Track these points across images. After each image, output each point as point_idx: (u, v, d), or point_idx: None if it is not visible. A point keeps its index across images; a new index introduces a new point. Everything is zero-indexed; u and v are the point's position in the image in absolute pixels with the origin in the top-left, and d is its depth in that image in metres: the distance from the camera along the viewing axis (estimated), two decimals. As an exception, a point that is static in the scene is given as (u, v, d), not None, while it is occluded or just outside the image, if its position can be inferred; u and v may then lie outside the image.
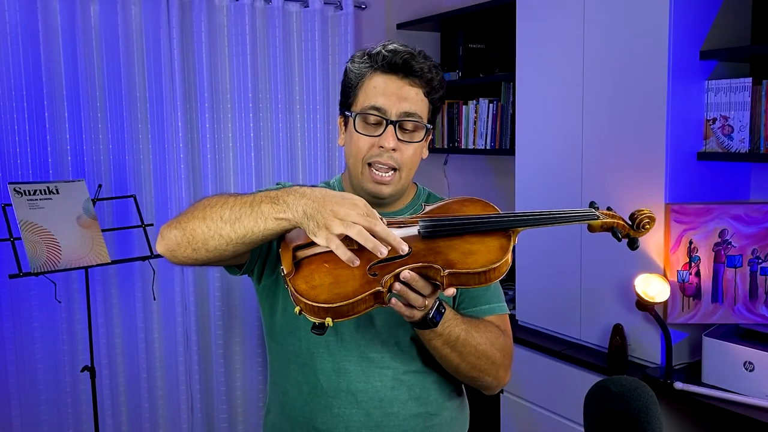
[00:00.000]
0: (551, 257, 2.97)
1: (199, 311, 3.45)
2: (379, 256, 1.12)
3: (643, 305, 2.50)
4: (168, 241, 1.26)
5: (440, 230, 1.22)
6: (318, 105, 3.63)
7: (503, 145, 3.47)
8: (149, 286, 3.26)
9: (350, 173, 1.47)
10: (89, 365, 2.95)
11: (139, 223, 3.04)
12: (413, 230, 1.23)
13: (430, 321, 1.26)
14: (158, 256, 2.95)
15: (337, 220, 1.12)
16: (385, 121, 1.38)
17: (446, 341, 1.32)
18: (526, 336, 3.02)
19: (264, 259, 1.46)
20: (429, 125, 1.43)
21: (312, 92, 3.63)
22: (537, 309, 3.07)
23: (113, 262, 2.84)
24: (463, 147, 3.69)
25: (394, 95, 1.38)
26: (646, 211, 1.32)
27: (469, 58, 3.76)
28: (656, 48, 2.47)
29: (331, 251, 1.15)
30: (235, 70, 3.45)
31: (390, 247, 1.13)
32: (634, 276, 2.58)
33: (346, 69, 1.45)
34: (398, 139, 1.38)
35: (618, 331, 2.67)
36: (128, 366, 3.35)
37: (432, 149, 3.87)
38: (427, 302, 1.19)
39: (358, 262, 1.13)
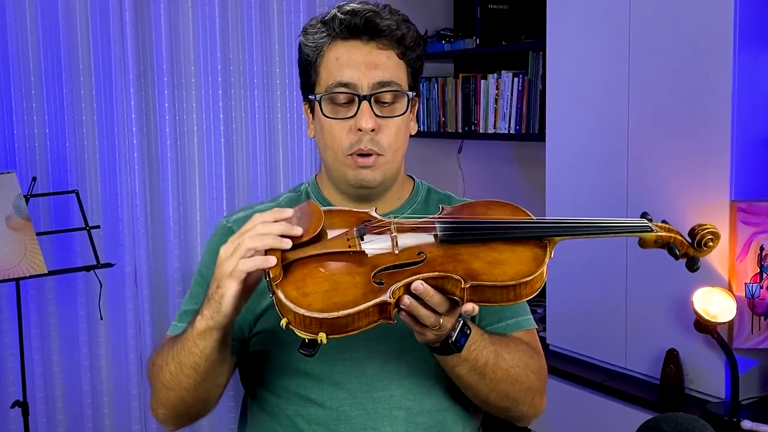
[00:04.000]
0: (590, 268, 2.96)
1: (156, 333, 3.44)
2: (292, 235, 1.20)
3: (702, 326, 2.49)
4: (165, 419, 1.44)
5: (463, 234, 1.24)
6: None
7: (531, 129, 3.45)
8: (95, 302, 3.25)
9: (328, 168, 1.49)
10: (21, 400, 2.94)
11: (83, 225, 3.02)
12: (429, 235, 1.25)
13: (453, 345, 1.26)
14: (106, 265, 2.95)
15: (223, 267, 1.23)
16: (356, 98, 1.39)
17: (473, 367, 1.33)
18: (559, 364, 3.02)
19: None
20: (411, 93, 1.45)
21: (296, 65, 3.60)
22: (572, 331, 3.06)
23: (51, 273, 2.83)
24: (481, 131, 3.68)
25: (362, 64, 1.39)
26: (708, 226, 1.33)
27: (488, 22, 3.73)
28: (720, 9, 2.46)
29: (327, 253, 1.20)
30: (201, 36, 3.44)
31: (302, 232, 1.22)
32: (691, 290, 2.57)
33: (299, 45, 1.47)
34: (376, 116, 1.40)
35: (672, 357, 2.67)
36: (69, 400, 3.34)
37: (443, 134, 3.90)
38: (442, 320, 1.20)
39: (272, 262, 1.18)
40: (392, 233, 1.25)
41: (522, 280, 1.17)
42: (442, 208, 1.36)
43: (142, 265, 3.37)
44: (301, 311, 1.14)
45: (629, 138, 2.79)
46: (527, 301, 1.59)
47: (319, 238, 1.24)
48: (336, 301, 1.14)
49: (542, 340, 3.17)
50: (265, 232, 1.20)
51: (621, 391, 2.79)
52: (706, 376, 2.64)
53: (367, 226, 1.26)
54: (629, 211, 2.78)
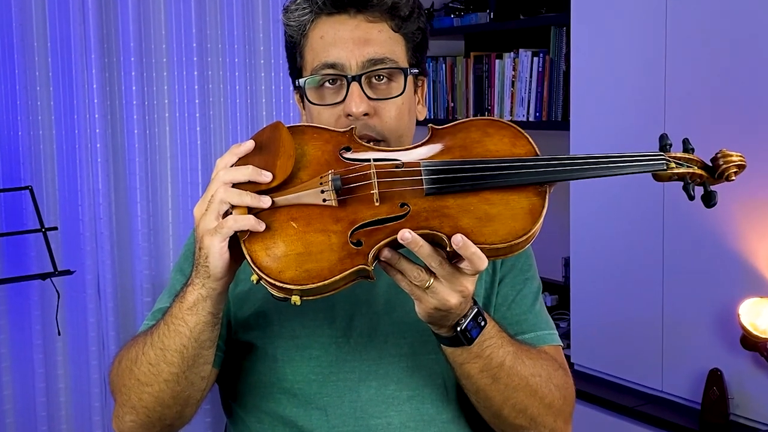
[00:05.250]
0: (621, 276, 2.96)
1: (122, 351, 3.43)
2: (263, 180, 1.23)
3: (750, 343, 2.50)
4: (131, 431, 1.39)
5: (451, 186, 1.24)
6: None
7: (553, 116, 3.46)
8: (52, 314, 3.24)
9: None
10: (-34, 427, 2.94)
11: (38, 227, 3.02)
12: (414, 181, 1.26)
13: (462, 335, 1.27)
14: (65, 272, 2.95)
15: (201, 225, 1.24)
16: (345, 80, 1.40)
17: (486, 367, 1.33)
18: (585, 386, 3.02)
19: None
20: (411, 69, 1.45)
21: (283, 45, 3.60)
22: (600, 349, 3.07)
23: (1, 282, 2.83)
24: (495, 118, 3.67)
25: (350, 41, 1.40)
26: (735, 158, 1.33)
27: (504, -7, 3.76)
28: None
29: (300, 205, 1.24)
30: (173, 10, 3.43)
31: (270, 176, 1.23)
32: (737, 301, 2.57)
33: (284, 26, 1.49)
34: (369, 98, 1.40)
35: (715, 379, 2.68)
36: (22, 427, 3.33)
37: (452, 121, 3.87)
38: (433, 281, 1.20)
39: (263, 227, 1.20)
40: (372, 179, 1.26)
41: (515, 241, 1.20)
42: (431, 130, 1.35)
43: (105, 273, 3.36)
44: (272, 280, 1.19)
45: (666, 127, 2.78)
46: (550, 313, 1.60)
47: (290, 178, 1.26)
48: (309, 268, 1.19)
49: (566, 359, 3.20)
50: (229, 180, 1.22)
51: (657, 418, 2.80)
52: (755, 400, 2.64)
53: (343, 177, 1.26)
54: (666, 210, 2.79)
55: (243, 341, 1.48)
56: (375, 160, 1.28)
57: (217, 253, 1.21)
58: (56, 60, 3.28)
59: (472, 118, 1.36)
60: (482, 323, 1.29)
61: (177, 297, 1.31)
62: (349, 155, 1.30)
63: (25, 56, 3.22)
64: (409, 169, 1.26)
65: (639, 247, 2.90)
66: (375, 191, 1.24)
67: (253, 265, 1.20)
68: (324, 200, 1.24)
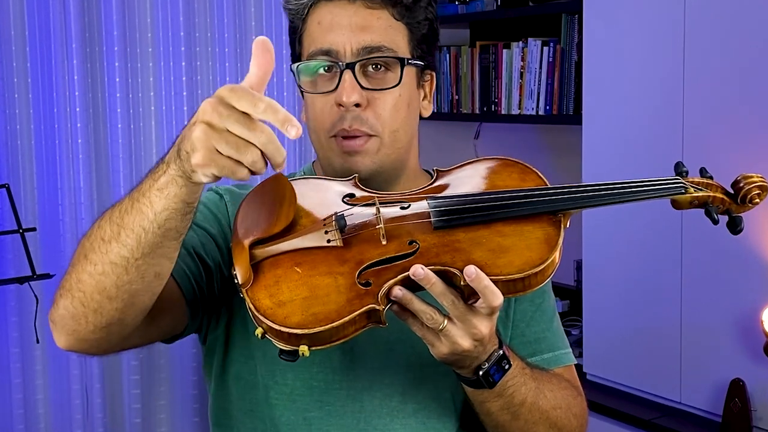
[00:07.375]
0: (637, 280, 2.97)
1: (105, 360, 3.42)
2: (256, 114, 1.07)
3: (775, 351, 2.50)
4: (61, 321, 1.26)
5: (461, 218, 1.26)
6: (287, 50, 3.62)
7: (564, 110, 3.46)
8: (30, 321, 3.24)
9: (317, 154, 1.51)
10: (-62, 441, 2.93)
11: (16, 227, 3.02)
12: (422, 217, 1.29)
13: (484, 379, 1.29)
14: (44, 276, 2.95)
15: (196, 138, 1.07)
16: (339, 67, 1.40)
17: (507, 405, 1.35)
18: (598, 397, 3.03)
19: (210, 302, 1.45)
20: (410, 60, 1.44)
21: (279, 29, 3.62)
22: (615, 358, 3.08)
23: (-25, 286, 2.83)
24: (503, 112, 3.69)
25: (347, 27, 1.41)
26: (756, 179, 1.36)
27: (512, -21, 3.76)
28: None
29: (303, 250, 1.25)
30: (159, -5, 3.44)
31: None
32: (761, 307, 2.58)
33: (284, 10, 1.51)
34: (363, 88, 1.40)
35: (737, 389, 2.68)
36: (-1, 442, 3.32)
37: (457, 116, 3.90)
38: (446, 323, 1.20)
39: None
40: (377, 214, 1.28)
41: (531, 272, 1.21)
42: (436, 172, 1.39)
43: (87, 277, 3.34)
44: (277, 326, 1.17)
45: (684, 122, 2.79)
46: (562, 321, 1.61)
47: (293, 225, 1.28)
48: (317, 311, 1.18)
49: (578, 368, 3.19)
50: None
51: (675, 431, 2.81)
52: (780, 412, 2.65)
53: (347, 215, 1.29)
54: (684, 210, 2.77)
55: (244, 344, 1.47)
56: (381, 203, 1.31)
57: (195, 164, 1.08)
58: (35, 50, 3.28)
59: (478, 158, 1.42)
60: (506, 367, 1.30)
61: (150, 172, 1.17)
62: (351, 200, 1.33)
63: (1, 46, 3.22)
64: (416, 212, 1.29)
65: (656, 249, 2.91)
66: (381, 226, 1.26)
67: (256, 314, 1.19)
68: (328, 241, 1.26)
